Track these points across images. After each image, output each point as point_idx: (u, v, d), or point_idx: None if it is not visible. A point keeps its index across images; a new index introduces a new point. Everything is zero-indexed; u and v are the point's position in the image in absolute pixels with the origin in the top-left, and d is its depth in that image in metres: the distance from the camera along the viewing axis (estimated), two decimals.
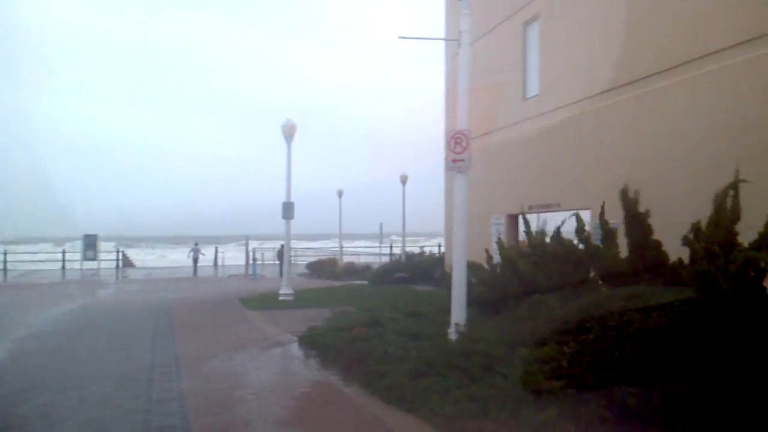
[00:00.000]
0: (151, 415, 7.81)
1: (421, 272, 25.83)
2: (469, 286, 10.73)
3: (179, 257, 56.20)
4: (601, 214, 10.45)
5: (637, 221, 9.39)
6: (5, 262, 39.59)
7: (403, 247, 34.63)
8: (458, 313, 10.23)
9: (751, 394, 5.61)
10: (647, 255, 9.18)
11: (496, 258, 12.80)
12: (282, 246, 40.03)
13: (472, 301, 10.60)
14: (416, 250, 37.09)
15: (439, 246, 37.10)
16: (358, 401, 8.23)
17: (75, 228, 45.60)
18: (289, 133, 21.64)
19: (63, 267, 41.42)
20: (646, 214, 9.38)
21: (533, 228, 12.19)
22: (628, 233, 9.50)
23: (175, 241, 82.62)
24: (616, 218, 10.06)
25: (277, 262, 38.65)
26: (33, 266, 42.35)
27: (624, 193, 9.49)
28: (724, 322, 6.20)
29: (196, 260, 39.44)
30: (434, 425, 6.96)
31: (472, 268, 11.69)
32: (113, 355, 12.20)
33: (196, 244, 40.18)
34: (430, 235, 49.46)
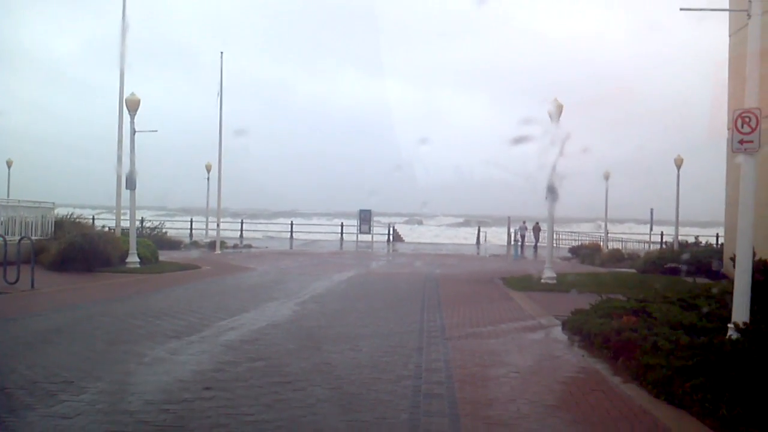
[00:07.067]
0: (420, 382, 8.28)
1: (695, 263, 24.13)
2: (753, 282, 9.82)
3: (442, 232, 58.58)
4: None
5: None
6: (292, 232, 44.34)
7: (676, 235, 32.53)
8: (740, 310, 9.41)
9: None
10: None
11: None
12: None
13: (756, 299, 9.70)
14: (690, 239, 34.65)
15: (717, 236, 34.40)
16: (625, 392, 7.98)
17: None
18: (555, 111, 21.16)
19: (341, 239, 45.02)
20: None
21: None
22: None
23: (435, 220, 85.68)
24: None
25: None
26: (314, 237, 46.87)
27: None
28: None
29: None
30: (710, 426, 6.56)
31: (760, 263, 10.70)
32: (385, 322, 13.07)
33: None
34: (706, 224, 45.79)
